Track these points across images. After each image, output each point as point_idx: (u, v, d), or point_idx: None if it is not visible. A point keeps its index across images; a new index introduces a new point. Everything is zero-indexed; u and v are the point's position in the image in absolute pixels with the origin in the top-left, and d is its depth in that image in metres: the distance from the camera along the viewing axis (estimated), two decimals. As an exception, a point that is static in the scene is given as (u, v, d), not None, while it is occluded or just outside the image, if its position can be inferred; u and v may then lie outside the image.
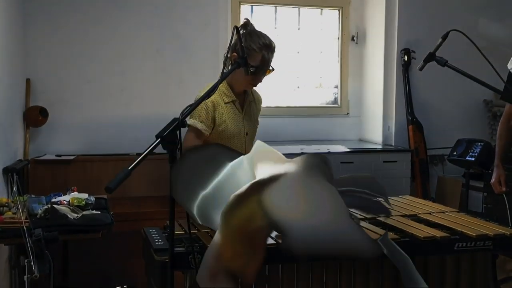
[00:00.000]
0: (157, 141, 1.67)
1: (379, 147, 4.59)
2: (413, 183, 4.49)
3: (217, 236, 1.75)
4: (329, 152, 4.19)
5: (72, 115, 4.04)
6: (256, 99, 2.72)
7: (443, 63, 2.33)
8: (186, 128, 2.42)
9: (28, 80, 3.92)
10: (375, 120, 4.78)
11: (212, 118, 2.48)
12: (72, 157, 3.86)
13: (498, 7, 4.79)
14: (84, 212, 2.73)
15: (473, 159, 3.98)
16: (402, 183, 4.35)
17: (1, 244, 2.88)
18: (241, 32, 2.27)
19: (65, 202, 2.81)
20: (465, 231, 2.13)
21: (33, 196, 2.88)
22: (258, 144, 2.10)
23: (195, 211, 1.89)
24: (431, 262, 2.06)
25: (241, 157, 2.01)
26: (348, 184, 2.11)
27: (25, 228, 2.30)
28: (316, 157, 2.01)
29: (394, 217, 2.29)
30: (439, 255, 2.08)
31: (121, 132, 4.09)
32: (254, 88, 2.63)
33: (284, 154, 2.05)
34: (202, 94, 2.05)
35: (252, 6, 4.71)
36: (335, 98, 5.00)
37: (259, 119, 2.74)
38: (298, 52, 4.86)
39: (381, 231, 2.05)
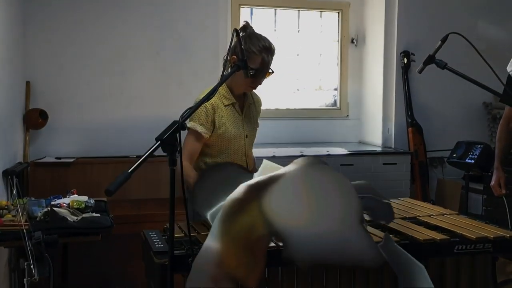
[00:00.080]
0: (157, 144, 1.67)
1: (379, 149, 4.60)
2: (413, 186, 4.49)
3: (214, 243, 1.73)
4: (328, 155, 4.19)
5: (72, 118, 4.04)
6: (256, 102, 2.72)
7: (442, 65, 2.33)
8: (186, 131, 2.42)
9: (28, 83, 3.92)
10: (374, 123, 4.79)
11: (212, 120, 2.48)
12: (71, 160, 3.86)
13: (497, 9, 4.80)
14: (84, 215, 2.73)
15: (472, 161, 3.99)
16: (402, 185, 4.35)
17: (0, 246, 2.88)
18: (240, 34, 2.27)
19: (64, 204, 2.81)
20: (465, 233, 2.13)
21: (32, 198, 2.88)
22: (265, 163, 2.14)
23: (208, 217, 1.96)
24: (431, 264, 2.06)
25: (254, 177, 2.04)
26: None
27: (24, 230, 2.30)
28: (316, 158, 2.02)
29: (393, 219, 2.29)
30: (439, 258, 2.08)
31: (121, 134, 4.09)
32: (253, 90, 2.63)
33: (283, 157, 2.06)
34: (201, 97, 2.05)
35: (251, 8, 4.72)
36: (335, 101, 5.01)
37: (258, 121, 2.74)
38: (297, 55, 4.86)
39: (380, 234, 2.05)
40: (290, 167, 1.92)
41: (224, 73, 2.29)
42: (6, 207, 2.74)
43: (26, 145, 3.84)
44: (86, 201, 2.86)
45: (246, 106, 2.61)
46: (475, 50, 2.31)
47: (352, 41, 4.92)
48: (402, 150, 4.51)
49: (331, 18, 4.93)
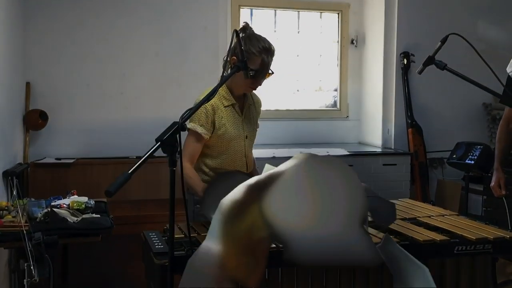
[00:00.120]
0: (157, 145, 1.68)
1: (379, 150, 4.60)
2: (413, 186, 4.49)
3: (215, 245, 1.73)
4: (328, 156, 4.19)
5: (71, 119, 4.04)
6: (256, 102, 2.72)
7: (442, 66, 2.33)
8: (186, 132, 2.43)
9: (28, 84, 3.92)
10: (374, 123, 4.79)
11: (212, 121, 2.48)
12: (71, 161, 3.86)
13: (497, 10, 4.80)
14: (84, 216, 2.73)
15: (472, 162, 3.98)
16: (402, 186, 4.35)
17: (0, 247, 2.88)
18: (240, 35, 2.27)
19: (64, 205, 2.81)
20: (464, 234, 2.13)
21: (32, 199, 2.88)
22: (267, 167, 2.15)
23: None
24: (431, 265, 2.06)
25: None
26: None
27: (24, 231, 2.30)
28: (317, 156, 2.00)
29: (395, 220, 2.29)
30: (439, 259, 2.08)
31: (120, 135, 4.09)
32: (253, 91, 2.63)
33: (283, 158, 2.06)
34: (201, 98, 2.05)
35: (251, 9, 4.72)
36: (335, 101, 5.01)
37: (258, 122, 2.75)
38: (297, 56, 4.86)
39: (380, 235, 2.05)
40: (290, 163, 1.91)
41: (224, 74, 2.29)
42: (6, 208, 2.74)
43: (26, 146, 3.85)
44: (86, 202, 2.86)
45: (246, 107, 2.61)
46: (474, 51, 2.31)
47: (352, 42, 4.92)
48: (402, 151, 4.51)
49: (331, 19, 4.93)
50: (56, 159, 3.90)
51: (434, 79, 4.27)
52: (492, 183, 3.21)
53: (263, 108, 2.83)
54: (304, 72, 4.88)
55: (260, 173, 2.15)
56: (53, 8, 3.98)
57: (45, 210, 2.69)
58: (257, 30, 2.54)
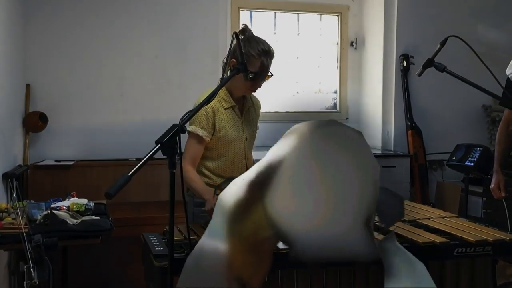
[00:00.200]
0: (157, 147, 1.68)
1: (378, 152, 4.59)
2: (412, 188, 4.49)
3: (222, 244, 1.72)
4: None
5: (71, 120, 4.04)
6: (255, 104, 2.73)
7: (441, 68, 2.34)
8: (186, 134, 2.43)
9: (28, 86, 3.92)
10: (374, 125, 4.79)
11: (212, 124, 2.48)
12: (71, 163, 3.86)
13: (496, 13, 4.81)
14: (84, 218, 2.73)
15: (472, 164, 3.98)
16: (401, 188, 4.34)
17: (0, 249, 2.87)
18: (240, 38, 2.27)
19: (64, 207, 2.81)
20: (464, 236, 2.13)
21: (32, 201, 2.88)
22: None
23: None
24: (430, 267, 2.06)
25: None
26: None
27: (24, 233, 2.29)
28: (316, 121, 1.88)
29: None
30: (439, 261, 2.08)
31: (120, 137, 4.09)
32: (253, 93, 2.63)
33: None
34: (201, 100, 2.05)
35: (251, 11, 4.72)
36: (334, 103, 5.01)
37: (258, 124, 2.75)
38: (297, 58, 4.86)
39: (380, 237, 2.05)
40: (290, 142, 1.81)
41: (224, 76, 2.29)
42: (6, 210, 2.74)
43: (26, 148, 3.85)
44: (86, 204, 2.86)
45: (246, 109, 2.62)
46: (474, 53, 2.32)
47: (351, 44, 4.93)
48: (401, 153, 4.51)
49: (331, 21, 4.93)
50: (56, 161, 3.90)
51: (434, 81, 4.27)
52: (492, 185, 3.21)
53: (262, 110, 2.83)
54: (304, 74, 4.88)
55: None
56: (53, 10, 3.98)
57: (45, 212, 2.69)
58: (256, 32, 2.54)
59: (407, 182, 4.39)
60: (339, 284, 1.98)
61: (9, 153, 3.51)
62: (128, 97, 4.15)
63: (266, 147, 2.08)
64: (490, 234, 2.18)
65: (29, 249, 2.20)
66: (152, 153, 1.67)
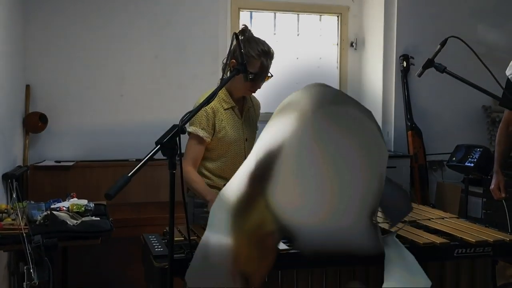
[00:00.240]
0: (156, 148, 1.68)
1: (378, 152, 4.59)
2: (412, 189, 4.48)
3: (227, 239, 1.70)
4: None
5: (71, 121, 4.04)
6: (255, 105, 2.73)
7: (441, 69, 2.33)
8: (186, 135, 2.43)
9: (28, 86, 3.93)
10: (374, 126, 4.78)
11: (213, 124, 2.48)
12: (71, 163, 3.86)
13: (496, 13, 4.81)
14: (84, 218, 2.73)
15: (472, 164, 3.98)
16: (401, 189, 4.34)
17: (0, 250, 2.88)
18: (239, 38, 2.27)
19: (64, 208, 2.81)
20: (464, 237, 2.13)
21: (32, 202, 2.88)
22: None
23: None
24: (430, 268, 2.06)
25: None
26: None
27: (24, 234, 2.29)
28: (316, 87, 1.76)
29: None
30: (439, 261, 2.08)
31: (120, 138, 4.09)
32: (252, 94, 2.63)
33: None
34: (201, 100, 2.05)
35: (251, 12, 4.72)
36: (334, 104, 5.00)
37: (258, 124, 2.75)
38: (297, 58, 4.86)
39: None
40: (289, 125, 1.70)
41: (224, 77, 2.29)
42: (5, 210, 2.74)
43: (26, 149, 3.85)
44: (86, 205, 2.86)
45: (246, 110, 2.62)
46: (474, 54, 2.32)
47: (351, 45, 4.93)
48: (401, 154, 4.51)
49: (331, 21, 4.93)
50: (56, 161, 3.90)
51: (434, 81, 4.28)
52: (492, 186, 3.21)
53: (262, 110, 2.83)
54: (304, 75, 4.88)
55: None
56: (53, 10, 3.98)
57: (45, 213, 2.69)
58: (256, 33, 2.54)
59: (407, 183, 4.39)
60: (339, 285, 1.98)
61: (9, 154, 3.51)
62: (128, 97, 4.15)
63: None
64: (490, 234, 2.18)
65: (29, 250, 2.20)
66: (152, 153, 1.67)
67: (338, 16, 4.91)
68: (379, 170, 1.70)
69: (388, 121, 4.68)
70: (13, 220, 2.63)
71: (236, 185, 1.78)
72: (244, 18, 4.67)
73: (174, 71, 4.22)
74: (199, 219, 2.47)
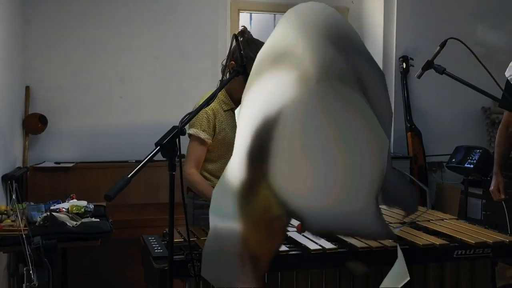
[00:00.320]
0: (156, 149, 1.68)
1: (378, 154, 4.59)
2: (412, 190, 4.48)
3: (235, 224, 1.66)
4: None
5: (71, 123, 4.04)
6: (255, 106, 2.72)
7: (441, 71, 2.34)
8: (186, 136, 2.43)
9: (27, 88, 3.93)
10: (374, 127, 4.78)
11: (213, 126, 2.48)
12: (71, 165, 3.86)
13: (496, 15, 4.81)
14: (83, 220, 2.73)
15: (471, 166, 3.98)
16: (401, 190, 4.34)
17: (-1, 251, 2.88)
18: (239, 39, 2.28)
19: (64, 209, 2.81)
20: (464, 238, 2.13)
21: (32, 203, 2.88)
22: None
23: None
24: (430, 269, 2.06)
25: None
26: None
27: (24, 236, 2.29)
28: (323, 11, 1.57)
29: (392, 224, 2.29)
30: (438, 263, 2.08)
31: (120, 139, 4.09)
32: (252, 95, 2.63)
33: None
34: (201, 102, 2.05)
35: (251, 13, 4.72)
36: (334, 105, 5.00)
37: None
38: (297, 60, 4.86)
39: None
40: (288, 87, 1.56)
41: (223, 78, 2.30)
42: (5, 212, 2.74)
43: (26, 150, 3.85)
44: (86, 206, 2.86)
45: (245, 111, 2.61)
46: (473, 55, 2.32)
47: (351, 46, 4.92)
48: (401, 155, 4.52)
49: (330, 23, 4.93)
50: (56, 163, 3.90)
51: (433, 83, 4.27)
52: (492, 187, 3.21)
53: (262, 112, 2.83)
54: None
55: None
56: (53, 11, 3.98)
57: (44, 214, 2.69)
58: (256, 34, 2.54)
59: (407, 184, 4.39)
60: (339, 285, 1.98)
61: (9, 155, 3.51)
62: (127, 99, 4.15)
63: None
64: (490, 236, 2.18)
65: (28, 251, 2.20)
66: (152, 155, 1.67)
67: (337, 18, 4.91)
68: (381, 148, 1.55)
69: (388, 122, 4.67)
70: (12, 221, 2.63)
71: (237, 167, 1.71)
72: (244, 19, 4.67)
73: (173, 72, 4.23)
74: (199, 220, 2.47)
